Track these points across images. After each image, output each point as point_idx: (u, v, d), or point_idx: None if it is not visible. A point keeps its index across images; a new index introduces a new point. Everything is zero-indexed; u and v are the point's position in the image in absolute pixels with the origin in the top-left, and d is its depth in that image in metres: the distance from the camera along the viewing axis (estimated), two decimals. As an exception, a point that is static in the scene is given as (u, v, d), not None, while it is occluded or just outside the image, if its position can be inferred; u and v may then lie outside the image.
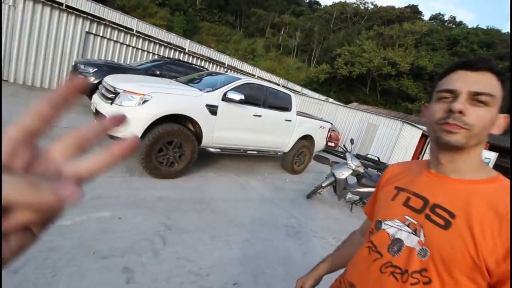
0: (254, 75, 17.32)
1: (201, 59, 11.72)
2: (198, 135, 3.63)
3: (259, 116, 4.32)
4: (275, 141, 4.80)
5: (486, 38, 31.19)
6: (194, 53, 14.32)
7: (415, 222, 0.63)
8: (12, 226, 0.17)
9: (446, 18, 43.64)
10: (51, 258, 1.68)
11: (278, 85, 17.66)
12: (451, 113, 0.58)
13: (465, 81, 0.58)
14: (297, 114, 5.10)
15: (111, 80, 3.47)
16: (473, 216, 0.55)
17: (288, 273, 2.22)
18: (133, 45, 8.98)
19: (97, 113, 3.29)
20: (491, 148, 11.79)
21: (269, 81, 17.45)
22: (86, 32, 7.70)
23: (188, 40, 16.37)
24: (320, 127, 5.72)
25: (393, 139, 10.36)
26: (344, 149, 4.48)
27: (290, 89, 18.04)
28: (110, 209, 2.38)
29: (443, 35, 32.75)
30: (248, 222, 2.93)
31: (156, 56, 9.45)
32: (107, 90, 3.35)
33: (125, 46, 8.78)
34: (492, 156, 10.88)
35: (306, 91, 22.03)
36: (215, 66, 12.24)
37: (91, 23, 7.70)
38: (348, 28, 40.33)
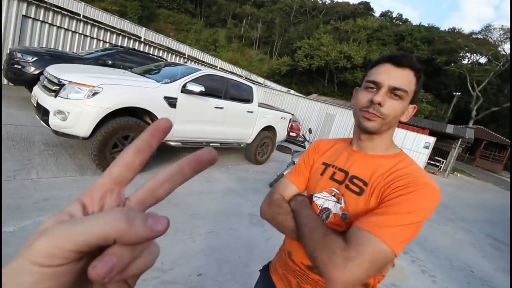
0: (216, 67, 16.99)
1: (159, 49, 11.13)
2: (157, 128, 3.49)
3: (221, 108, 4.29)
4: (238, 133, 4.83)
5: (427, 35, 34.52)
6: (151, 42, 13.53)
7: (338, 192, 0.74)
8: (114, 274, 0.16)
9: (394, 15, 47.18)
10: (-10, 268, 1.52)
11: (241, 76, 17.58)
12: (372, 103, 0.69)
13: (389, 76, 0.68)
14: (258, 106, 5.17)
15: (54, 70, 3.15)
16: (375, 181, 0.69)
17: (251, 259, 2.30)
18: (80, 32, 8.18)
19: (39, 107, 2.97)
20: (431, 133, 13.27)
21: (231, 72, 17.26)
22: (23, 15, 6.79)
23: (144, 28, 15.35)
24: (282, 118, 5.88)
25: (349, 127, 11.15)
26: (303, 138, 4.69)
27: (253, 81, 18.09)
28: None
29: (391, 31, 35.45)
30: (213, 213, 2.94)
31: (107, 45, 8.74)
32: (50, 81, 3.03)
33: (70, 32, 7.96)
34: (431, 140, 12.24)
35: (268, 82, 22.30)
36: (174, 56, 11.73)
37: (29, 6, 6.81)
38: (307, 21, 41.44)
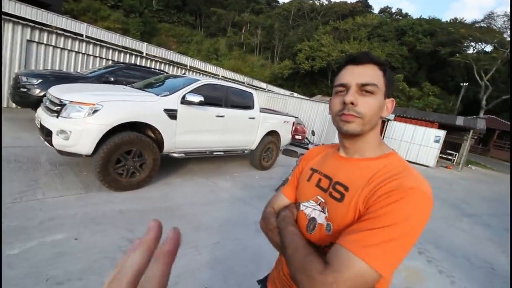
0: (218, 75, 17.14)
1: (161, 63, 11.31)
2: (159, 141, 3.51)
3: (222, 116, 4.29)
4: (241, 140, 4.81)
5: (429, 28, 34.04)
6: (154, 56, 13.78)
7: (323, 200, 0.71)
8: None
9: (393, 10, 46.84)
10: (-5, 293, 1.53)
11: (243, 83, 17.69)
12: (345, 105, 0.66)
13: (353, 75, 0.67)
14: (260, 111, 5.16)
15: (55, 91, 3.22)
16: (359, 186, 0.64)
17: (259, 269, 2.25)
18: (83, 52, 8.39)
19: (42, 128, 3.02)
20: (440, 126, 12.98)
21: (233, 80, 17.39)
22: (28, 40, 7.03)
23: (146, 43, 15.66)
24: (285, 121, 5.85)
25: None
26: (307, 141, 4.63)
27: (255, 86, 18.16)
28: (65, 230, 2.21)
29: (391, 27, 35.10)
30: (218, 224, 2.91)
31: (110, 62, 8.93)
32: (52, 102, 3.09)
33: (74, 53, 8.18)
34: (441, 133, 11.96)
35: (271, 87, 22.33)
36: (176, 68, 11.89)
37: (32, 30, 7.04)
38: (306, 24, 41.56)
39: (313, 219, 0.72)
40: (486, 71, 26.16)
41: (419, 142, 12.36)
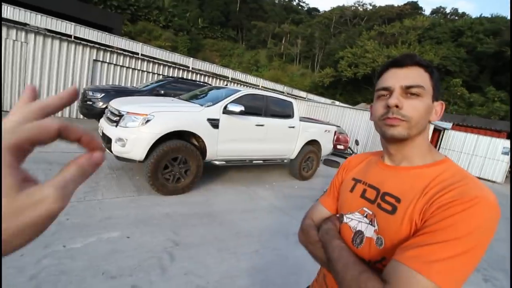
0: (258, 86, 17.50)
1: (205, 75, 12.00)
2: (202, 149, 3.68)
3: (262, 125, 4.34)
4: (280, 149, 4.79)
5: (491, 26, 30.39)
6: (199, 70, 14.69)
7: (370, 212, 0.67)
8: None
9: (448, 10, 43.07)
10: (62, 281, 1.72)
11: (283, 93, 17.75)
12: (389, 108, 0.62)
13: (397, 78, 0.63)
14: (300, 120, 5.10)
15: (115, 103, 3.61)
16: (413, 197, 0.58)
17: (298, 282, 2.17)
18: (139, 68, 9.32)
19: (104, 136, 3.40)
20: (509, 136, 11.29)
21: (273, 90, 17.58)
22: (94, 60, 8.08)
23: (192, 58, 16.81)
24: (326, 130, 5.68)
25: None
26: (351, 151, 4.41)
27: (294, 95, 18.08)
28: (119, 229, 2.42)
29: (446, 28, 32.20)
30: (257, 232, 2.90)
31: (161, 77, 9.77)
32: (112, 113, 3.47)
33: (131, 70, 9.14)
34: (509, 144, 10.40)
35: (311, 96, 22.01)
36: (218, 80, 12.48)
37: (98, 51, 8.09)
38: (349, 30, 40.43)
39: (360, 232, 0.68)
40: None
41: (483, 154, 10.91)
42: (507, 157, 10.42)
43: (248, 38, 48.12)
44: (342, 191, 0.80)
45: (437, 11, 43.45)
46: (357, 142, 4.60)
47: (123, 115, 3.25)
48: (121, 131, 3.15)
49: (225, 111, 3.79)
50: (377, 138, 11.23)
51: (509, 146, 10.40)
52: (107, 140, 3.27)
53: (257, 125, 4.28)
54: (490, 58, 28.48)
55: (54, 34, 7.20)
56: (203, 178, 3.86)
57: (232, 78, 16.06)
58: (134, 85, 8.72)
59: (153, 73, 9.77)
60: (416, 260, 0.49)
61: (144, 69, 9.47)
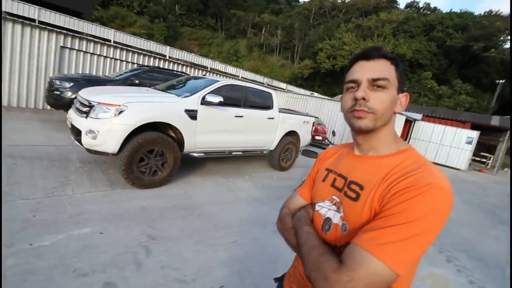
0: (238, 76, 17.30)
1: (183, 65, 11.64)
2: (179, 141, 3.60)
3: (241, 116, 4.32)
4: (260, 140, 4.81)
5: (460, 22, 31.99)
6: (176, 59, 14.20)
7: (338, 200, 0.71)
8: None
9: (421, 5, 44.60)
10: (29, 281, 1.64)
11: (263, 84, 17.70)
12: (357, 101, 0.65)
13: (364, 70, 0.66)
14: (279, 111, 5.13)
15: (85, 93, 3.41)
16: (374, 185, 0.63)
17: (276, 270, 2.21)
18: (111, 56, 8.83)
19: (73, 128, 3.22)
20: (473, 127, 12.14)
21: (253, 81, 17.46)
22: (61, 46, 7.53)
23: (169, 47, 16.17)
24: (304, 122, 5.77)
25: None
26: (328, 142, 4.53)
27: (274, 87, 18.10)
28: (91, 224, 2.33)
29: (419, 22, 33.42)
30: (236, 223, 2.92)
31: (135, 65, 9.34)
32: (81, 104, 3.28)
33: (102, 57, 8.63)
34: (474, 134, 11.20)
35: (291, 87, 22.15)
36: (197, 70, 12.17)
37: (65, 37, 7.54)
38: (328, 22, 40.75)
39: (328, 219, 0.72)
40: (526, 66, 24.10)
41: (449, 143, 11.65)
42: (471, 146, 11.22)
43: (228, 27, 47.05)
44: (316, 181, 0.84)
45: (411, 5, 44.87)
46: (334, 133, 4.73)
47: (93, 106, 3.08)
48: (92, 123, 2.99)
49: (204, 102, 3.72)
50: (353, 129, 11.67)
51: (473, 136, 11.18)
52: (77, 132, 3.10)
53: (236, 116, 4.25)
54: (458, 52, 30.09)
55: (15, 18, 6.60)
56: (181, 170, 3.79)
57: (211, 68, 15.74)
58: (106, 74, 8.28)
59: (127, 62, 9.31)
60: (371, 243, 0.52)
61: (117, 57, 8.99)
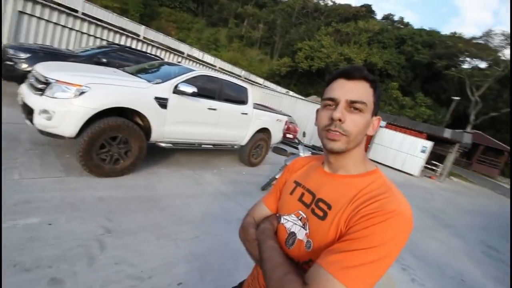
0: (216, 67, 16.92)
1: (158, 48, 11.06)
2: (147, 129, 3.43)
3: (214, 109, 4.23)
4: (232, 135, 4.77)
5: (428, 39, 34.42)
6: (151, 40, 13.45)
7: (305, 216, 0.70)
8: None
9: (396, 18, 47.09)
10: (-43, 275, 1.46)
11: (240, 77, 17.52)
12: (333, 120, 0.65)
13: (343, 90, 0.66)
14: (254, 107, 5.11)
15: (42, 68, 3.09)
16: (342, 205, 0.63)
17: (236, 267, 2.24)
18: (77, 29, 8.11)
19: (24, 105, 2.90)
20: (428, 137, 13.23)
21: (230, 73, 17.20)
22: (19, 11, 6.72)
23: (143, 26, 15.27)
24: (277, 120, 5.83)
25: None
26: (298, 141, 4.63)
27: (252, 81, 18.02)
28: (40, 214, 2.14)
29: (392, 34, 35.33)
30: (200, 218, 2.88)
31: (104, 43, 8.67)
32: (37, 79, 2.96)
33: (67, 29, 7.89)
34: (428, 144, 12.23)
35: (268, 83, 22.24)
36: (172, 56, 11.66)
37: (25, 2, 6.73)
38: (309, 23, 41.33)
39: (293, 234, 0.71)
40: (478, 87, 26.75)
41: (406, 150, 12.59)
42: (424, 155, 12.24)
43: (210, 13, 45.56)
44: (283, 192, 0.83)
45: (387, 17, 47.17)
46: (304, 134, 4.84)
47: (50, 83, 2.80)
48: (47, 102, 2.72)
49: (176, 90, 3.57)
50: (323, 130, 12.08)
51: (427, 145, 12.19)
52: (29, 111, 2.81)
53: (209, 108, 4.16)
54: (423, 67, 32.39)
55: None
56: (146, 160, 3.63)
57: (188, 55, 15.18)
58: (70, 49, 7.58)
59: (95, 37, 8.62)
60: (335, 266, 0.53)
61: (84, 31, 8.28)
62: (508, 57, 26.26)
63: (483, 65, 29.78)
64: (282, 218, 0.77)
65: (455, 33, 34.40)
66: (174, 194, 3.25)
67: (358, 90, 0.65)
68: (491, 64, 27.50)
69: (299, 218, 0.72)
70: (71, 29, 7.92)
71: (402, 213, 0.57)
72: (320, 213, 0.66)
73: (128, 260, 1.93)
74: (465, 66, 30.80)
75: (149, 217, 2.58)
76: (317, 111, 0.75)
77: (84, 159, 2.87)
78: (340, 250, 0.56)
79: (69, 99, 2.73)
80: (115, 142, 3.09)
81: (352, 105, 0.65)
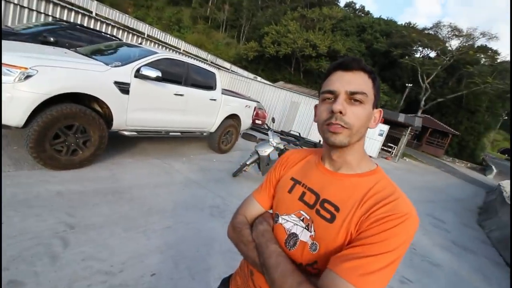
0: (180, 49, 16.10)
1: (113, 27, 10.15)
2: (107, 117, 3.20)
3: (181, 95, 4.06)
4: (200, 121, 4.65)
5: (386, 28, 36.40)
6: (105, 18, 12.27)
7: (308, 217, 0.67)
8: None
9: (357, 6, 48.71)
10: None
11: (206, 61, 16.94)
12: (333, 113, 0.62)
13: (342, 82, 0.64)
14: (222, 93, 5.02)
15: (-26, 47, 2.65)
16: (351, 207, 0.62)
17: (210, 253, 2.26)
18: (16, 2, 7.06)
19: (-45, 91, 2.49)
20: (385, 122, 14.31)
21: (196, 56, 16.53)
22: None
23: (96, 2, 13.79)
24: (246, 106, 5.80)
25: (312, 116, 11.46)
26: (267, 127, 4.69)
27: (219, 66, 17.55)
28: (-14, 213, 1.91)
29: (354, 22, 36.67)
30: (171, 207, 2.82)
31: (50, 19, 7.70)
32: (-31, 60, 2.55)
33: (4, 2, 6.82)
34: (385, 128, 13.25)
35: (235, 68, 21.86)
36: (131, 36, 10.82)
37: None
38: (275, 7, 40.85)
39: (294, 234, 0.68)
40: (428, 75, 29.28)
41: (366, 134, 13.48)
42: (382, 138, 13.25)
43: (170, -9, 42.60)
44: (279, 190, 0.78)
45: (349, 5, 48.53)
46: (273, 120, 4.90)
47: (-13, 65, 2.43)
48: (-15, 87, 2.37)
49: (138, 75, 3.34)
50: (290, 115, 12.31)
51: (384, 129, 13.18)
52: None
53: (176, 94, 3.98)
54: (381, 55, 34.35)
55: None
56: (108, 150, 3.41)
57: (148, 36, 14.18)
58: (9, 25, 6.61)
59: (39, 12, 7.61)
60: (351, 273, 0.52)
61: (25, 5, 7.26)
62: (454, 47, 29.02)
63: (432, 54, 32.54)
64: (280, 218, 0.73)
65: (409, 23, 36.87)
66: (141, 184, 3.12)
67: (357, 81, 0.63)
68: (439, 53, 30.13)
69: (301, 218, 0.68)
70: (8, 1, 6.87)
71: (414, 215, 0.58)
72: (328, 215, 0.63)
73: (96, 255, 1.84)
74: (417, 55, 33.37)
75: (115, 210, 2.45)
76: (316, 106, 0.72)
77: (36, 151, 2.59)
78: (355, 256, 0.54)
79: (13, 84, 2.40)
80: (71, 132, 2.83)
81: (353, 97, 0.62)
